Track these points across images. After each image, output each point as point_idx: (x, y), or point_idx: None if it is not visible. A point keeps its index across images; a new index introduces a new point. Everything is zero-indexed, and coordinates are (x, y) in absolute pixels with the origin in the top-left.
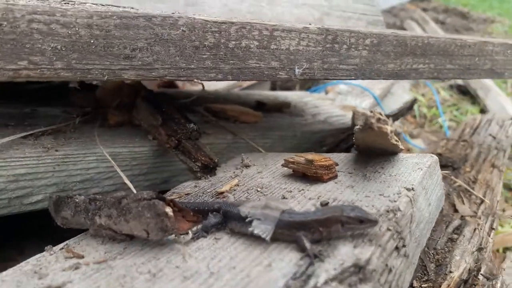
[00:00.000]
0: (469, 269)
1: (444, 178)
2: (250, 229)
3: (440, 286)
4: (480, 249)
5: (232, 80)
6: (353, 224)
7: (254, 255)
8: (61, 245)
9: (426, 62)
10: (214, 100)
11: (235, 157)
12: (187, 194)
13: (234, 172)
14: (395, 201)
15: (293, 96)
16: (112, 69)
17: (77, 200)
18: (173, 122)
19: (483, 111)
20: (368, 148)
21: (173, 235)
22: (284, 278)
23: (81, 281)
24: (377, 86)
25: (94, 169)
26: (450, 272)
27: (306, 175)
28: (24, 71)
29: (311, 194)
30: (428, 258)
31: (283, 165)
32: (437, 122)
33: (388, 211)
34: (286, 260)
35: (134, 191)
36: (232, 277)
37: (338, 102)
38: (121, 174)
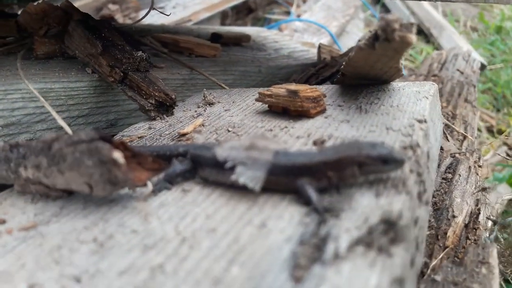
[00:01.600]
0: (471, 212)
1: None
2: (233, 177)
3: (446, 233)
4: (483, 189)
5: None
6: (374, 166)
7: (240, 212)
8: None
9: None
10: (163, 32)
11: (195, 95)
12: (140, 137)
13: (196, 111)
14: (410, 135)
15: (251, 30)
16: None
17: None
18: (116, 49)
19: (437, 49)
20: (357, 76)
21: (127, 189)
22: (289, 244)
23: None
24: (333, 24)
25: (20, 110)
26: (454, 216)
27: (287, 110)
28: None
29: (298, 132)
30: None
31: (257, 100)
32: None
33: (405, 148)
34: (286, 217)
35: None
36: (214, 244)
37: (296, 39)
38: (52, 111)
